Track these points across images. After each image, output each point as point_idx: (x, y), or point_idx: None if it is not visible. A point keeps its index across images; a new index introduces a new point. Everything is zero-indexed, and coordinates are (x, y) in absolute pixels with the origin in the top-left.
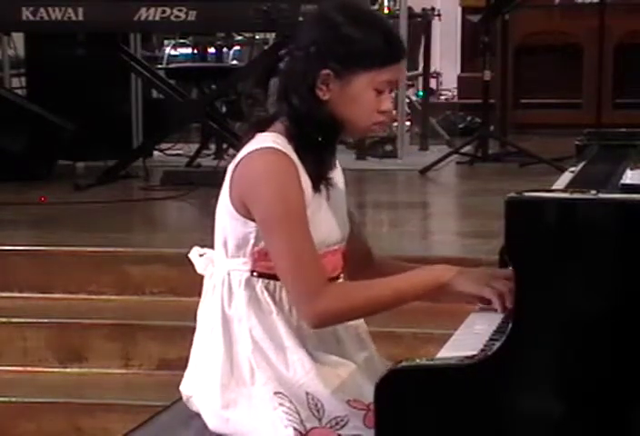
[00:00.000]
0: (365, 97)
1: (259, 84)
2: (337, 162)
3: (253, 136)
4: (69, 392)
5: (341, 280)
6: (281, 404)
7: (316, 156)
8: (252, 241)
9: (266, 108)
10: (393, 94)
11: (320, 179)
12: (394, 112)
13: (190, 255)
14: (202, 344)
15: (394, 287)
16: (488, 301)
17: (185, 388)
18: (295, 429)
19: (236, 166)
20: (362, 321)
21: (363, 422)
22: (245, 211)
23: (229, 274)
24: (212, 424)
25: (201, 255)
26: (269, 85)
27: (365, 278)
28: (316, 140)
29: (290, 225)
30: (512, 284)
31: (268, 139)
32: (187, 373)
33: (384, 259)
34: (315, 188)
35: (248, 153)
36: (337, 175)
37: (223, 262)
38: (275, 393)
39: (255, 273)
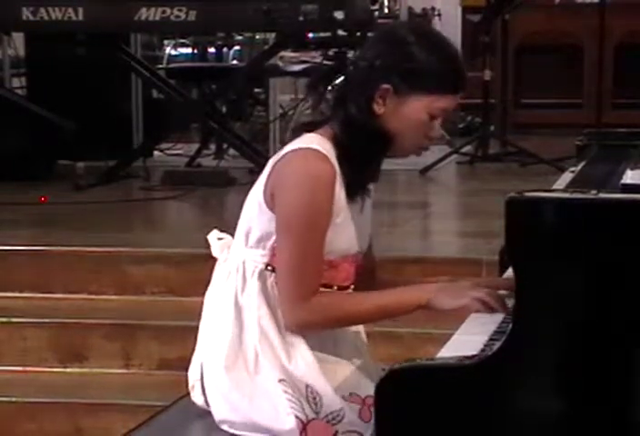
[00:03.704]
0: (417, 119)
1: (314, 89)
2: None
3: (299, 135)
4: (69, 392)
5: (350, 290)
6: (285, 391)
7: (358, 166)
8: (274, 236)
9: (320, 112)
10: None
11: (356, 189)
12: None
13: (209, 237)
14: (210, 328)
15: (377, 304)
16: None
17: (192, 373)
18: (297, 417)
19: (279, 161)
20: (362, 331)
21: (358, 417)
22: (274, 205)
23: (244, 263)
24: (215, 408)
25: (219, 239)
26: (324, 92)
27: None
28: (360, 150)
29: (305, 232)
30: (494, 291)
31: (315, 140)
32: (194, 359)
33: (381, 277)
34: (350, 197)
35: (293, 150)
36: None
37: (240, 251)
38: (280, 380)
39: (269, 267)
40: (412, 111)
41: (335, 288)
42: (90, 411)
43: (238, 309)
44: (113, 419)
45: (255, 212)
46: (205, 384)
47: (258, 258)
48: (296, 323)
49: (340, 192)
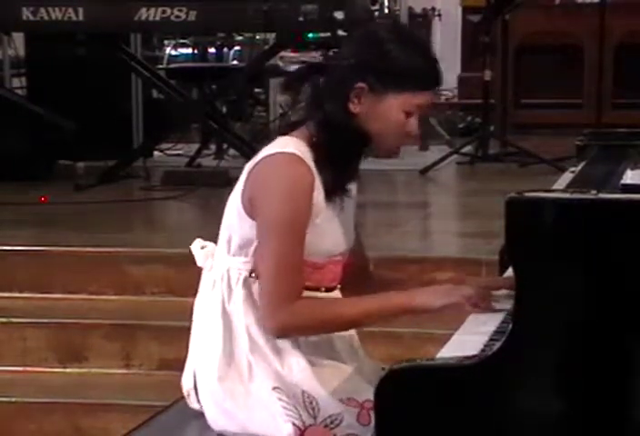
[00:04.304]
0: (393, 117)
1: (290, 89)
2: None
3: (275, 138)
4: (69, 392)
5: (337, 291)
6: (280, 399)
7: (336, 167)
8: (256, 242)
9: (294, 113)
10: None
11: (335, 189)
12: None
13: (192, 247)
14: (201, 337)
15: (364, 307)
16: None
17: (186, 381)
18: (294, 424)
19: (254, 167)
20: (354, 332)
21: (357, 420)
22: (253, 211)
23: (228, 271)
24: (212, 417)
25: (202, 248)
26: (301, 91)
27: (359, 291)
28: (338, 150)
29: (286, 236)
30: (482, 289)
31: (290, 144)
32: (187, 367)
33: (379, 274)
34: (329, 198)
35: (268, 155)
36: (353, 186)
37: (224, 259)
38: (274, 388)
39: (253, 274)
40: (388, 109)
41: (323, 289)
42: (90, 412)
43: (227, 318)
44: (112, 419)
45: (234, 219)
46: (200, 395)
47: (241, 265)
48: (278, 327)
49: (319, 194)
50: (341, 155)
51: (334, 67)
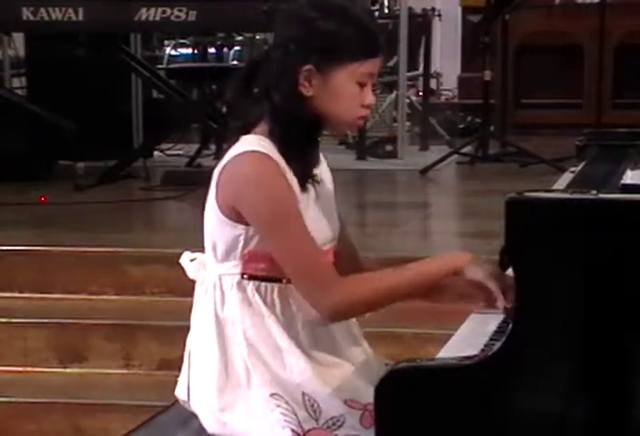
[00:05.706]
0: (348, 91)
1: (239, 89)
2: (324, 160)
3: (237, 139)
4: (69, 392)
5: None
6: (278, 406)
7: (301, 154)
8: (241, 243)
9: (248, 112)
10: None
11: (306, 177)
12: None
13: (181, 261)
14: (196, 348)
15: (410, 275)
16: (487, 297)
17: (181, 392)
18: (292, 430)
19: (222, 171)
20: (354, 319)
21: (359, 422)
22: (233, 215)
23: (220, 278)
24: (210, 427)
25: (192, 260)
26: (252, 90)
27: None
28: (300, 137)
29: (287, 226)
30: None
31: (253, 142)
32: (181, 378)
33: (369, 264)
34: (302, 187)
35: (233, 157)
36: (324, 173)
37: (213, 266)
38: (272, 395)
39: (245, 276)
40: (339, 84)
41: None
42: (90, 412)
43: (220, 325)
44: (112, 419)
45: (215, 225)
46: (195, 407)
47: (232, 269)
48: (333, 311)
49: (293, 184)
50: (302, 141)
51: (273, 57)
